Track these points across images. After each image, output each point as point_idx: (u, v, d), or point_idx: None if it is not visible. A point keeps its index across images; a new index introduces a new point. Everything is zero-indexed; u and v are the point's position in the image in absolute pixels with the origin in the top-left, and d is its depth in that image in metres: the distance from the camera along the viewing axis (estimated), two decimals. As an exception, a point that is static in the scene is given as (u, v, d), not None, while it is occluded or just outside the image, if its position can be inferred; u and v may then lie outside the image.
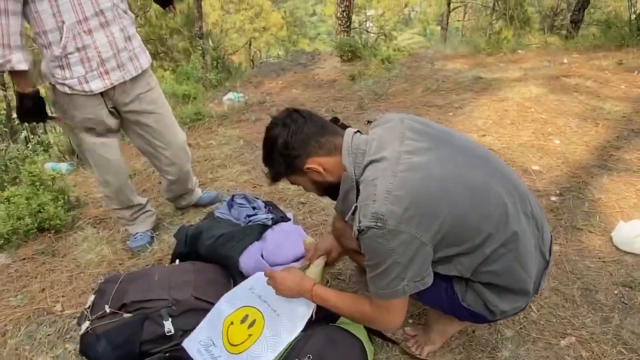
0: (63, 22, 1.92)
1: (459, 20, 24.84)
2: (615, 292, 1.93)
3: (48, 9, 1.89)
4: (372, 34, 18.02)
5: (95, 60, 2.04)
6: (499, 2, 21.00)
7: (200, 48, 11.10)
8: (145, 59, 2.28)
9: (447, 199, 1.26)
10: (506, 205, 1.32)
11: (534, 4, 19.63)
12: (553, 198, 2.63)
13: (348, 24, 10.81)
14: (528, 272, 1.38)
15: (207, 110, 4.75)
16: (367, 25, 29.60)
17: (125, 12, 2.17)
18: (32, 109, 2.09)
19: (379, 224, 1.20)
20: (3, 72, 2.00)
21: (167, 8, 2.58)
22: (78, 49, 1.99)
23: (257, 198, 2.53)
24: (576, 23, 9.99)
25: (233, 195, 2.51)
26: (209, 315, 1.80)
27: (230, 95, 5.25)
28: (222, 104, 5.11)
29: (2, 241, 2.85)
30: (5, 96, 13.35)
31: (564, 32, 11.58)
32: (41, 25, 1.93)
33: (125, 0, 2.20)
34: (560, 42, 6.91)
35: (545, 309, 1.87)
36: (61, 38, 1.95)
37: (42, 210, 2.88)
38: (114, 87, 2.14)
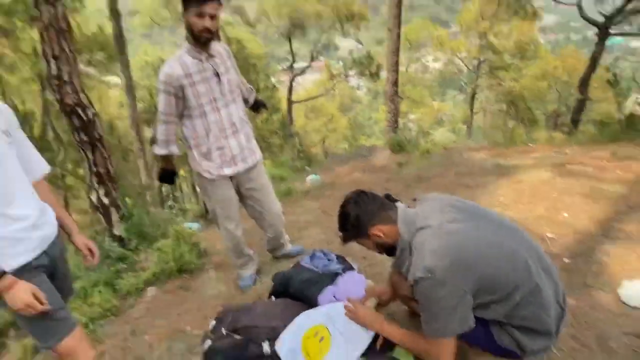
0: (210, 132, 2.17)
1: (480, 121, 24.61)
2: (626, 340, 1.72)
3: (201, 124, 2.18)
4: (413, 132, 18.18)
5: (228, 155, 2.26)
6: (511, 107, 20.71)
7: (291, 144, 11.67)
8: (258, 154, 2.48)
9: (481, 258, 1.26)
10: (528, 263, 1.29)
11: (539, 107, 19.16)
12: (566, 260, 2.44)
13: (395, 125, 11.02)
14: (550, 317, 1.31)
15: (295, 188, 4.92)
16: (410, 125, 29.96)
17: (247, 122, 2.40)
18: (169, 177, 2.41)
19: (429, 276, 1.21)
20: (164, 155, 2.28)
21: (258, 112, 2.75)
22: (218, 148, 2.23)
23: (331, 252, 2.54)
24: (575, 122, 9.61)
25: (314, 250, 2.54)
26: (292, 327, 1.81)
27: (311, 177, 5.44)
28: (305, 183, 5.28)
29: (154, 278, 3.02)
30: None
31: (565, 129, 11.16)
32: (194, 133, 2.19)
33: (246, 114, 2.44)
34: (563, 137, 6.66)
35: (566, 352, 1.69)
36: (208, 142, 2.20)
37: (181, 257, 3.04)
38: (238, 173, 2.33)
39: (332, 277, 2.26)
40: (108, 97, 17.19)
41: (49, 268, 1.52)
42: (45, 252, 1.49)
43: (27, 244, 1.42)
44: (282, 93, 20.72)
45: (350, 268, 2.41)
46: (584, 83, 9.93)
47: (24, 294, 1.31)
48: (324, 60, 25.57)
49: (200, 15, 1.93)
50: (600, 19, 9.76)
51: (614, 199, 3.16)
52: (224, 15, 16.40)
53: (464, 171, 4.49)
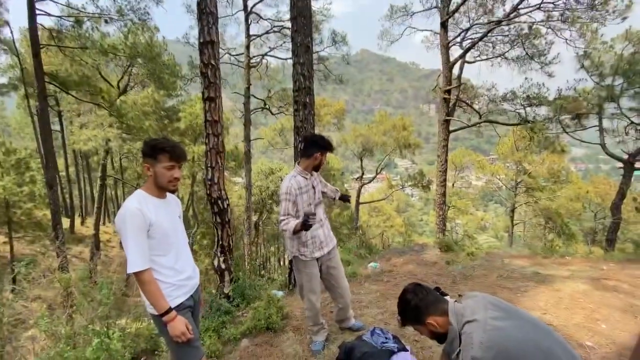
0: (311, 230, 2.35)
1: (520, 231, 22.24)
2: None
3: (308, 233, 2.36)
4: (460, 235, 16.94)
5: (318, 242, 2.42)
6: (549, 222, 18.55)
7: (357, 235, 11.61)
8: (335, 240, 2.61)
9: (522, 353, 1.15)
10: None
11: (575, 224, 16.93)
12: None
13: (444, 227, 10.51)
14: None
15: (358, 272, 4.80)
16: (456, 229, 28.04)
17: (327, 218, 2.59)
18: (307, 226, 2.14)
19: None
20: (295, 230, 2.21)
21: (346, 201, 2.89)
22: (312, 237, 2.40)
23: (388, 332, 2.40)
24: (611, 242, 8.27)
25: (374, 327, 2.42)
26: None
27: (372, 264, 5.27)
28: (367, 269, 5.13)
29: (247, 331, 3.04)
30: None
31: (602, 245, 9.62)
32: (303, 233, 2.37)
33: (325, 211, 2.64)
34: (600, 253, 5.74)
35: None
36: (307, 235, 2.37)
37: (270, 317, 3.07)
38: (323, 255, 2.45)
39: (388, 353, 2.11)
40: (234, 191, 19.29)
41: (192, 308, 1.71)
42: (192, 296, 1.69)
43: (184, 289, 1.64)
44: (352, 196, 21.45)
45: (404, 349, 2.23)
46: (617, 207, 8.75)
47: (181, 325, 1.48)
48: (385, 174, 26.21)
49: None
50: (625, 156, 8.94)
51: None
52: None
53: (505, 275, 4.05)
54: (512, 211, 19.72)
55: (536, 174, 17.93)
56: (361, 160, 15.78)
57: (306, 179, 2.41)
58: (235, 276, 4.06)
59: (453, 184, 22.07)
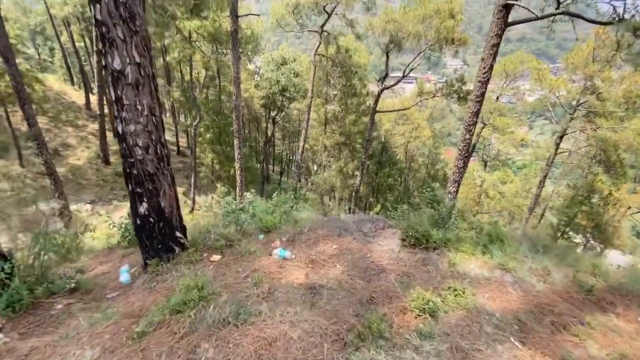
0: None
1: (562, 162, 19.77)
2: None
3: None
4: (489, 159, 15.17)
5: None
6: (602, 154, 15.93)
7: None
8: None
9: None
10: None
11: (634, 164, 14.39)
12: None
13: (467, 156, 8.84)
14: None
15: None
16: (488, 150, 25.70)
17: None
18: None
19: None
20: None
21: None
22: None
23: None
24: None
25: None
26: None
27: (279, 252, 3.15)
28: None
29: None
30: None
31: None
32: None
33: None
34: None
35: None
36: None
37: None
38: None
39: None
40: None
41: None
42: None
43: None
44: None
45: None
46: None
47: None
48: (417, 78, 22.88)
49: None
50: None
51: None
52: (337, 26, 15.12)
53: None
54: (561, 138, 16.97)
55: (607, 95, 14.45)
56: (387, 57, 12.98)
57: None
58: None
59: (498, 97, 18.79)
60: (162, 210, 2.79)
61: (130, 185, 2.72)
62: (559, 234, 18.41)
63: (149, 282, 2.62)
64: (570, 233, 18.86)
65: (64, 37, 24.90)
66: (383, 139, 25.60)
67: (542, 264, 2.50)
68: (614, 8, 7.09)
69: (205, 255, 2.96)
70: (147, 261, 2.85)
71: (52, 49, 34.02)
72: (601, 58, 13.46)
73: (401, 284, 2.44)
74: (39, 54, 33.74)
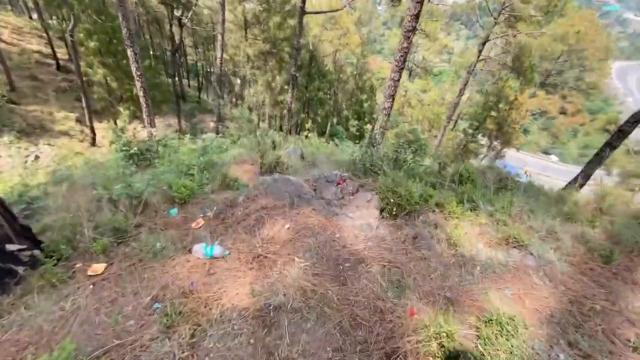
0: None
1: (481, 68, 20.51)
2: None
3: None
4: (415, 67, 14.80)
5: None
6: (517, 60, 16.69)
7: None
8: None
9: None
10: None
11: (542, 70, 15.48)
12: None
13: (402, 64, 7.97)
14: None
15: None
16: (415, 57, 25.27)
17: None
18: None
19: None
20: None
21: None
22: None
23: None
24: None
25: None
26: None
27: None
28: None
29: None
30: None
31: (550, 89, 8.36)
32: None
33: None
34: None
35: None
36: None
37: None
38: None
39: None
40: None
41: None
42: None
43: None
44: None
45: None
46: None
47: None
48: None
49: None
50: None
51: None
52: None
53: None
54: (483, 44, 17.13)
55: (531, -2, 14.38)
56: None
57: None
58: None
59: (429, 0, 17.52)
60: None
61: None
62: (469, 138, 20.31)
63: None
64: (479, 137, 21.03)
65: None
66: (311, 47, 23.23)
67: (544, 223, 2.01)
68: None
69: (78, 265, 1.81)
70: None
71: None
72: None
73: (391, 284, 1.72)
74: None
